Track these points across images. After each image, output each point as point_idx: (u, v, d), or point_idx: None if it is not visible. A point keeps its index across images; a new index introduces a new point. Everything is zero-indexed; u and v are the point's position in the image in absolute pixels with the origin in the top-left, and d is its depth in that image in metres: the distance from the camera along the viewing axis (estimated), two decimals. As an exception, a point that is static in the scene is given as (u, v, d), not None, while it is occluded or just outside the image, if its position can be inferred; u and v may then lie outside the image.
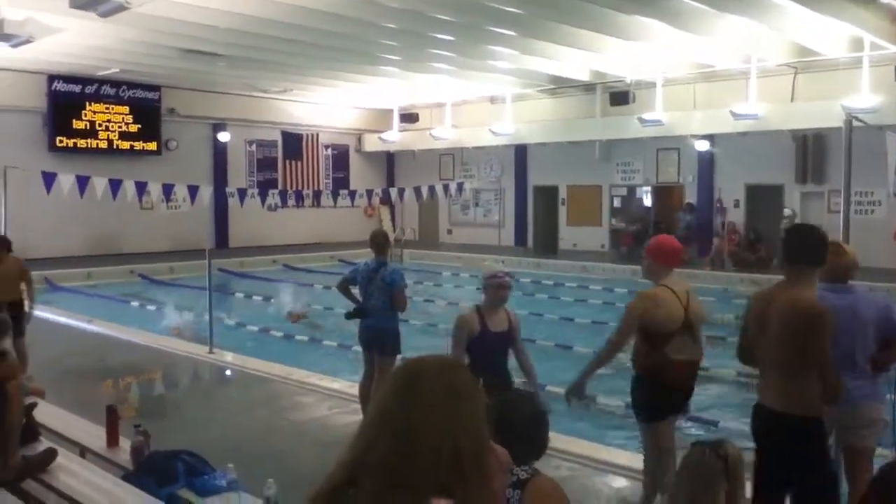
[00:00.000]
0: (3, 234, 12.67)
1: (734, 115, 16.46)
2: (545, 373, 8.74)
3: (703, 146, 19.12)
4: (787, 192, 18.63)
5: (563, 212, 22.84)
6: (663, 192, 21.21)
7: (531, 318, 12.98)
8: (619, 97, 19.08)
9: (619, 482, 5.40)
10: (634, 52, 15.71)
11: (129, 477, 4.34)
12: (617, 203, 21.99)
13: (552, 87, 19.98)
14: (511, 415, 2.65)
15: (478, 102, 22.63)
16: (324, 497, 1.46)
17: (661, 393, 4.32)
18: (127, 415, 6.07)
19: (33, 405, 4.78)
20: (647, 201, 21.59)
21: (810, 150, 17.96)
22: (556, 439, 4.68)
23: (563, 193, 22.77)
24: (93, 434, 5.45)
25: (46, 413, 5.37)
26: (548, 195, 22.98)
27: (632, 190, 21.74)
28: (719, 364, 9.74)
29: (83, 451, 5.15)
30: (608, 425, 7.47)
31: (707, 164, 19.74)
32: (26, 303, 8.22)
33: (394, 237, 9.25)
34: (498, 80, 19.24)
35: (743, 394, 8.47)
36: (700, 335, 4.44)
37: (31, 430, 4.58)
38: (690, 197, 20.20)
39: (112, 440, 5.05)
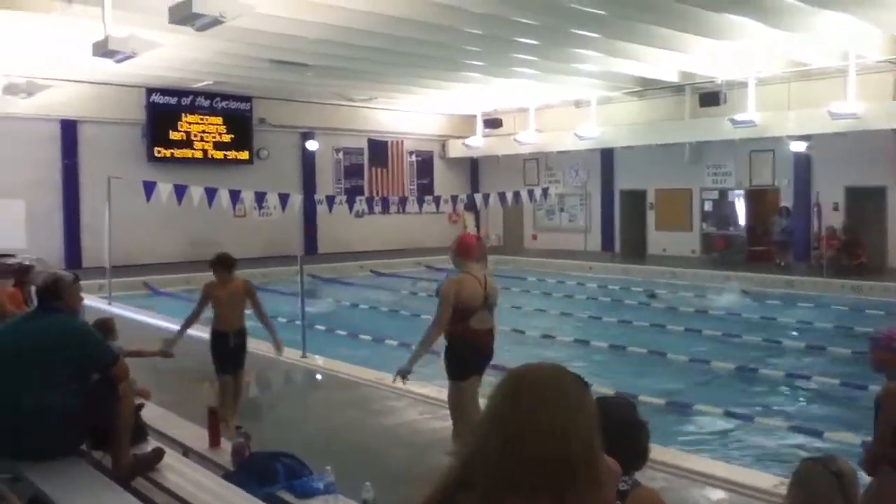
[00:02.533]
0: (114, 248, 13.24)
1: (832, 114, 15.77)
2: (639, 384, 8.62)
3: (798, 147, 18.40)
4: (891, 193, 17.76)
5: (651, 216, 22.38)
6: (757, 196, 20.52)
7: (621, 326, 12.79)
8: (710, 98, 18.56)
9: (717, 494, 5.22)
10: (725, 52, 15.27)
11: (230, 477, 4.45)
12: (708, 207, 21.39)
13: (639, 89, 19.63)
14: (606, 421, 2.60)
15: (562, 106, 22.44)
16: (435, 500, 1.47)
17: (465, 355, 5.36)
18: (223, 416, 6.23)
19: (141, 406, 4.96)
20: (740, 205, 20.92)
21: (915, 150, 17.09)
22: (653, 449, 4.58)
23: (651, 197, 22.31)
24: (195, 434, 5.62)
25: (151, 414, 5.56)
26: (635, 199, 22.56)
27: (723, 193, 21.11)
28: (820, 372, 9.37)
29: (186, 451, 5.31)
30: (703, 435, 7.24)
31: (803, 166, 19.01)
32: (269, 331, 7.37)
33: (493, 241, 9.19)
34: (583, 83, 19.03)
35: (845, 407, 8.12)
36: (494, 310, 5.57)
37: (140, 430, 4.76)
38: (786, 200, 19.48)
39: (214, 441, 5.20)
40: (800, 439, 7.02)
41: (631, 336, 11.66)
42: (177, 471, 4.35)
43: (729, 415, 7.47)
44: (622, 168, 22.83)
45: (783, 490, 4.67)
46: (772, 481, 5.15)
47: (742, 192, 20.66)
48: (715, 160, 20.69)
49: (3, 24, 12.16)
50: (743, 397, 8.58)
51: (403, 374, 5.56)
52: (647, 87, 19.41)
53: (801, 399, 8.76)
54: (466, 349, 5.34)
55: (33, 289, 8.65)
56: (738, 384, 9.23)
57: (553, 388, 1.49)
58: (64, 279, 4.39)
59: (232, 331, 6.93)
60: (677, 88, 19.36)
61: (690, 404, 7.78)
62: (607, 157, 22.90)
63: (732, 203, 21.09)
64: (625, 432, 2.61)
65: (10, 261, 8.83)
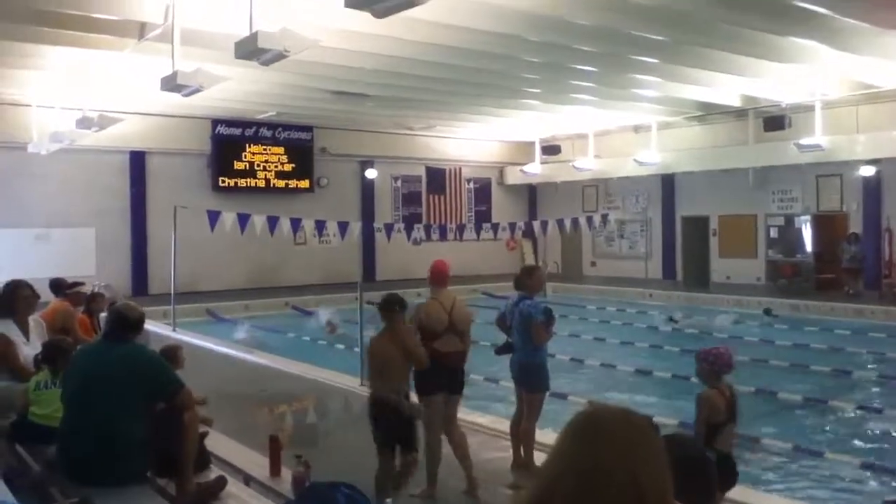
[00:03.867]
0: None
1: (903, 137, 15.30)
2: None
3: (868, 171, 17.89)
4: (968, 218, 17.10)
5: (714, 243, 21.94)
6: (825, 222, 19.94)
7: (683, 355, 12.50)
8: (774, 122, 18.19)
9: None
10: (789, 75, 14.96)
11: (291, 506, 4.47)
12: (773, 233, 20.87)
13: (700, 113, 19.37)
14: (674, 458, 2.54)
15: (621, 132, 22.27)
16: None
17: (431, 375, 5.64)
18: (285, 444, 6.27)
19: (205, 434, 5.02)
20: (807, 231, 20.35)
21: None
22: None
23: (714, 224, 21.90)
24: (256, 462, 5.68)
25: (213, 441, 5.63)
26: (698, 226, 22.16)
27: (790, 219, 20.58)
28: (893, 405, 9.00)
29: (247, 479, 5.36)
30: (771, 470, 7.00)
31: (873, 191, 18.44)
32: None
33: (546, 271, 9.09)
34: (642, 108, 18.88)
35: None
36: (466, 334, 5.92)
37: (204, 458, 4.82)
38: (855, 226, 18.89)
39: (274, 469, 5.24)
40: (872, 477, 6.73)
41: (694, 366, 11.36)
42: (239, 499, 4.39)
43: (798, 450, 7.21)
44: (683, 194, 22.49)
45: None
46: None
47: (809, 217, 20.12)
48: (780, 185, 20.23)
49: (78, 61, 12.68)
50: (812, 431, 8.30)
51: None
52: (708, 112, 19.14)
53: (873, 434, 8.40)
54: (432, 370, 5.64)
55: (102, 315, 8.97)
56: (807, 417, 8.93)
57: (627, 431, 1.51)
58: (126, 309, 4.50)
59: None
60: (740, 112, 19.04)
61: (758, 437, 7.54)
62: (668, 182, 22.59)
63: (799, 229, 20.55)
64: (693, 471, 2.55)
65: (81, 288, 9.08)
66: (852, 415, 8.99)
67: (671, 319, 16.10)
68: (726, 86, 16.19)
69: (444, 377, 5.77)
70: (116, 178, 19.65)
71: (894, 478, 6.53)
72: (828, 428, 8.47)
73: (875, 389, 10.15)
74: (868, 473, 6.82)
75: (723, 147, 20.01)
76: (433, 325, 5.79)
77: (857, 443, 8.04)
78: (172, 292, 15.27)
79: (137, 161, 19.91)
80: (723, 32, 11.85)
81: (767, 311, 16.65)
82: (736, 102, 17.77)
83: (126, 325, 4.37)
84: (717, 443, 4.43)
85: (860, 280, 18.31)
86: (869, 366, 11.48)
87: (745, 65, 13.97)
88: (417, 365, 5.54)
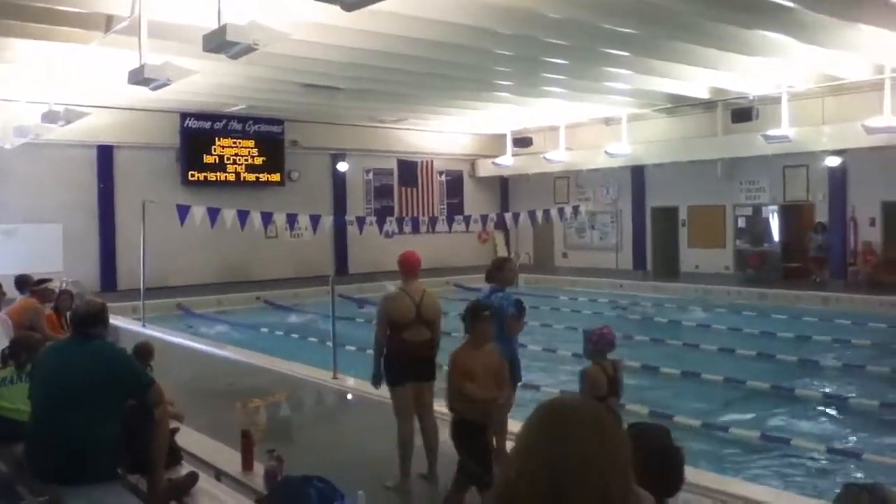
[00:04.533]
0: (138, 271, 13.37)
1: (867, 128, 15.53)
2: (673, 405, 8.52)
3: (833, 162, 18.19)
4: (930, 208, 17.45)
5: (683, 233, 22.18)
6: (792, 212, 20.27)
7: (652, 344, 12.67)
8: (742, 114, 18.41)
9: (756, 519, 5.12)
10: (757, 68, 15.13)
11: (262, 501, 4.47)
12: (742, 223, 21.15)
13: (670, 105, 19.53)
14: (642, 447, 2.57)
15: (592, 124, 22.39)
16: None
17: (398, 364, 5.78)
18: (257, 439, 6.27)
19: (176, 430, 5.00)
20: (774, 221, 20.65)
21: (954, 164, 16.77)
22: (688, 471, 4.52)
23: (683, 214, 22.13)
24: (227, 458, 5.66)
25: (184, 437, 5.60)
26: (667, 217, 22.38)
27: (757, 209, 20.87)
28: (858, 392, 9.20)
29: (218, 475, 5.35)
30: (740, 457, 7.12)
31: (839, 182, 18.74)
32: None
33: (518, 262, 9.11)
34: (613, 101, 18.99)
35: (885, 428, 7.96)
36: (434, 324, 5.92)
37: (175, 454, 4.80)
38: (821, 216, 19.21)
39: (246, 464, 5.23)
40: (838, 462, 6.88)
41: (664, 356, 11.53)
42: (210, 495, 4.39)
43: (766, 437, 7.34)
44: (653, 185, 22.70)
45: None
46: (809, 504, 5.06)
47: (776, 207, 20.42)
48: (748, 176, 20.49)
49: (43, 55, 12.46)
50: (779, 418, 8.45)
51: (376, 381, 6.11)
52: (678, 104, 19.31)
53: (839, 420, 8.58)
54: (399, 359, 5.79)
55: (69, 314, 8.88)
56: (775, 405, 9.08)
57: (589, 421, 1.50)
58: (102, 305, 4.47)
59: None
60: (709, 105, 19.24)
61: (726, 426, 7.67)
62: (638, 174, 22.78)
63: (766, 219, 20.85)
64: (660, 459, 2.59)
65: (49, 284, 8.98)
66: (818, 402, 9.17)
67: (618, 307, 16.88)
68: (695, 78, 16.34)
69: (413, 367, 5.82)
70: (84, 173, 19.37)
71: (858, 462, 6.67)
72: (794, 415, 8.62)
73: (840, 376, 10.35)
74: (834, 458, 6.97)
75: (692, 138, 20.21)
76: (401, 315, 5.84)
77: (822, 429, 8.20)
78: (142, 287, 15.13)
79: (105, 155, 19.64)
80: (692, 26, 11.97)
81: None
82: (705, 94, 17.96)
83: (93, 320, 4.33)
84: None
85: (826, 269, 18.64)
86: (834, 353, 11.69)
87: (713, 58, 14.12)
88: (499, 385, 5.00)
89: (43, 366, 4.39)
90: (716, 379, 9.98)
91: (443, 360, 5.98)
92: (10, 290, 9.00)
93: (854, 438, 7.78)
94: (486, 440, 4.87)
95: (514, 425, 6.54)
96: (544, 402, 1.59)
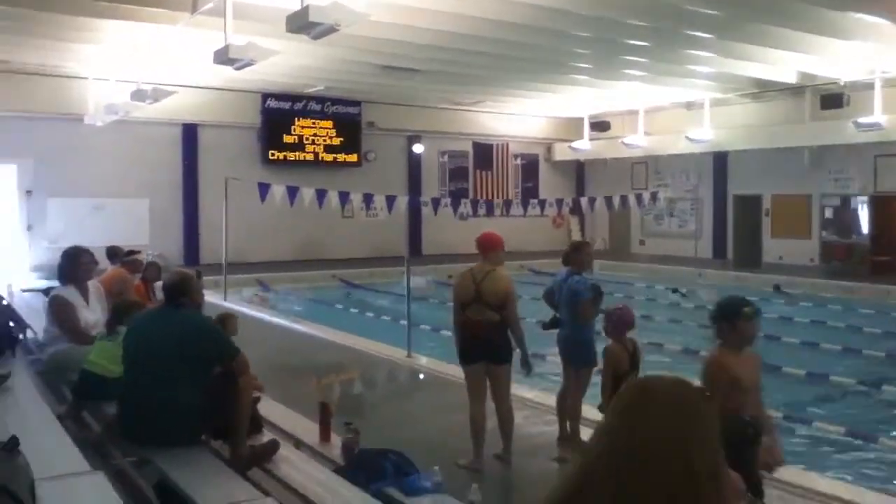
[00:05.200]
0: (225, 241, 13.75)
1: (968, 116, 14.76)
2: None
3: (929, 151, 17.33)
4: None
5: (766, 223, 21.50)
6: (883, 203, 19.37)
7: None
8: (832, 100, 17.68)
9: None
10: (849, 52, 14.52)
11: (339, 471, 4.57)
12: (829, 214, 20.37)
13: (755, 90, 18.92)
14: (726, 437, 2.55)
15: (673, 109, 21.88)
16: None
17: (465, 342, 5.86)
18: (335, 411, 6.39)
19: (258, 399, 5.14)
20: (864, 212, 19.81)
21: None
22: (770, 465, 4.40)
23: (766, 203, 21.44)
24: (306, 428, 5.80)
25: (264, 407, 5.76)
26: (750, 205, 21.71)
27: (846, 200, 20.06)
28: None
29: (297, 444, 5.48)
30: (823, 453, 6.90)
31: (935, 171, 17.86)
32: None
33: (594, 248, 9.00)
34: (695, 84, 18.51)
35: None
36: (500, 306, 5.76)
37: (256, 423, 4.94)
38: (915, 207, 18.34)
39: (324, 435, 5.35)
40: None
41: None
42: (291, 463, 4.50)
43: (851, 434, 7.10)
44: (736, 172, 22.05)
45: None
46: (897, 505, 4.88)
47: (866, 198, 19.57)
48: (837, 165, 19.70)
49: (132, 35, 12.89)
50: (865, 414, 8.15)
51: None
52: (764, 89, 18.69)
53: None
54: (465, 337, 5.86)
55: (156, 284, 9.21)
56: (860, 401, 8.76)
57: (677, 399, 1.47)
58: (190, 277, 4.62)
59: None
60: (797, 90, 18.54)
61: (809, 420, 7.44)
62: (720, 160, 22.16)
63: (855, 210, 20.02)
64: (734, 450, 2.55)
65: (137, 256, 9.32)
66: (907, 399, 8.81)
67: (677, 292, 16.46)
68: (783, 62, 15.78)
69: (479, 346, 5.82)
70: (169, 151, 20.01)
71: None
72: (881, 412, 8.30)
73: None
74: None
75: (778, 125, 19.53)
76: (461, 294, 5.93)
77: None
78: (224, 262, 15.56)
79: (190, 134, 20.23)
80: (781, 7, 11.55)
81: (777, 288, 16.46)
82: (792, 79, 17.31)
83: (181, 291, 4.48)
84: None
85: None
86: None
87: (803, 41, 13.60)
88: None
89: (135, 332, 4.58)
90: (798, 373, 9.67)
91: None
92: (102, 261, 9.39)
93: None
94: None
95: (587, 409, 6.52)
96: (630, 383, 1.57)
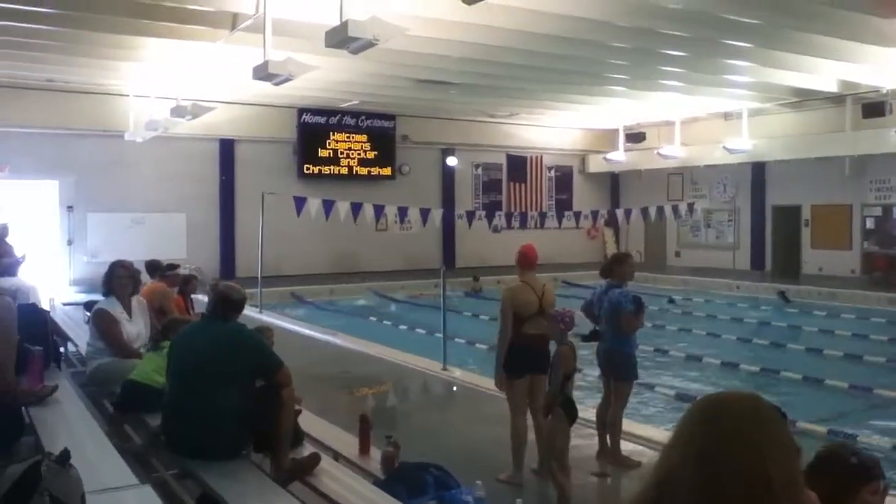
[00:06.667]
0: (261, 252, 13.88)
1: None
2: (796, 410, 8.14)
3: (976, 160, 16.93)
4: None
5: (806, 233, 21.16)
6: (926, 213, 18.98)
7: (773, 348, 12.17)
8: (874, 108, 17.37)
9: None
10: (891, 59, 14.24)
11: (380, 484, 4.55)
12: (870, 224, 19.98)
13: (795, 99, 18.64)
14: (829, 464, 2.61)
15: (709, 119, 21.67)
16: None
17: (520, 356, 5.77)
18: (372, 424, 6.39)
19: (299, 411, 5.16)
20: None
21: None
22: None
23: (806, 214, 21.11)
24: (345, 441, 5.79)
25: (303, 420, 5.77)
26: (789, 215, 21.40)
27: (888, 210, 19.66)
28: None
29: (336, 457, 5.48)
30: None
31: (981, 181, 17.44)
32: None
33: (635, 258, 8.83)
34: (733, 94, 18.28)
35: None
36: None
37: (298, 435, 4.96)
38: (960, 217, 17.93)
39: (364, 448, 5.34)
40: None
41: (784, 360, 11.05)
42: (332, 476, 4.49)
43: (897, 448, 6.93)
44: (774, 182, 21.75)
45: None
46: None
47: (909, 208, 19.17)
48: (878, 174, 19.34)
49: (173, 53, 13.12)
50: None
51: (499, 382, 6.03)
52: (803, 98, 18.40)
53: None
54: (521, 351, 5.78)
55: (193, 297, 9.32)
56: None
57: (752, 415, 1.47)
58: (229, 289, 4.67)
59: None
60: (837, 99, 18.24)
61: (854, 434, 7.27)
62: (758, 171, 21.88)
63: (898, 220, 19.62)
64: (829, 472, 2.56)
65: (177, 270, 9.44)
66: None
67: (782, 295, 16.27)
68: (823, 71, 15.52)
69: (532, 359, 5.79)
70: (206, 165, 20.29)
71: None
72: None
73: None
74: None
75: (818, 134, 19.23)
76: (523, 308, 5.82)
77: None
78: (259, 275, 15.71)
79: (227, 148, 20.50)
80: (821, 15, 11.37)
81: (782, 295, 16.20)
82: (833, 88, 17.03)
83: (230, 305, 4.53)
84: (567, 388, 5.36)
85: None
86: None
87: (843, 49, 13.36)
88: None
89: (180, 344, 4.63)
90: (840, 385, 9.49)
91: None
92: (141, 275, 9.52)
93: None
94: None
95: (628, 423, 6.44)
96: (703, 397, 1.57)
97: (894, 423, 8.13)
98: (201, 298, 10.23)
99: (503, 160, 24.83)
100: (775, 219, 21.86)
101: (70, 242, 18.68)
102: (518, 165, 25.01)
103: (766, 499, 1.38)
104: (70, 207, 18.68)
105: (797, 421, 7.23)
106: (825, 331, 13.67)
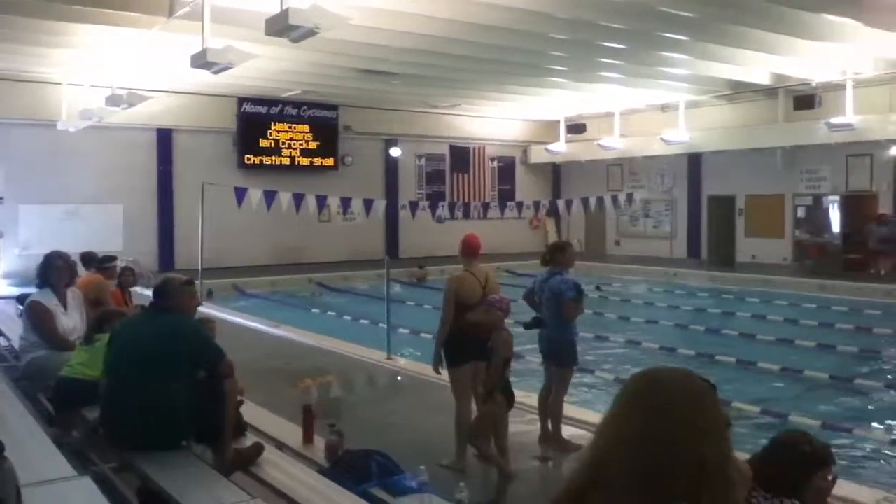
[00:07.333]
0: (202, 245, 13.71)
1: (937, 116, 15.05)
2: (730, 392, 8.42)
3: (899, 151, 17.65)
4: None
5: (740, 223, 21.78)
6: (854, 202, 19.69)
7: (708, 334, 12.51)
8: (804, 101, 17.97)
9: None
10: (821, 53, 14.75)
11: (325, 472, 4.57)
12: (801, 213, 20.67)
13: (730, 92, 19.15)
14: (784, 450, 2.80)
15: (648, 111, 22.10)
16: (567, 499, 1.47)
17: (462, 344, 5.82)
18: (317, 414, 6.37)
19: (242, 401, 5.13)
20: (835, 211, 20.12)
21: None
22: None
23: (740, 203, 21.72)
24: (288, 431, 5.79)
25: (246, 411, 5.74)
26: (724, 205, 21.99)
27: (818, 199, 20.36)
28: None
29: (279, 447, 5.47)
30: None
31: (905, 171, 18.19)
32: None
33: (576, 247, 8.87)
34: (670, 87, 18.70)
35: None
36: None
37: (240, 425, 4.93)
38: (885, 207, 18.66)
39: (307, 438, 5.35)
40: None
41: (719, 345, 11.38)
42: (275, 465, 4.49)
43: (827, 426, 7.21)
44: (710, 173, 22.31)
45: (889, 505, 4.51)
46: (872, 496, 4.98)
47: (837, 197, 19.88)
48: (809, 165, 20.00)
49: (108, 40, 12.79)
50: (839, 408, 8.30)
51: (436, 366, 6.06)
52: (738, 91, 18.92)
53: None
54: (464, 339, 5.79)
55: (131, 290, 9.14)
56: (834, 395, 8.91)
57: (684, 390, 1.49)
58: (173, 281, 4.61)
59: None
60: (770, 91, 18.80)
61: (785, 414, 7.55)
62: (695, 161, 22.41)
63: (827, 209, 20.33)
64: (794, 466, 2.70)
65: (112, 263, 9.23)
66: (880, 393, 8.97)
67: (598, 288, 17.14)
68: (757, 64, 15.99)
69: (473, 347, 5.81)
70: (144, 156, 19.85)
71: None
72: (855, 405, 8.46)
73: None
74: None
75: (752, 126, 19.78)
76: (467, 296, 5.86)
77: (885, 419, 8.02)
78: (200, 267, 15.45)
79: (165, 138, 20.08)
80: (754, 9, 11.71)
81: (598, 288, 17.36)
82: (766, 81, 17.55)
83: (165, 295, 4.47)
84: (506, 374, 5.50)
85: (889, 261, 18.12)
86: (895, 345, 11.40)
87: (776, 42, 13.79)
88: None
89: (119, 337, 4.56)
90: (773, 368, 9.82)
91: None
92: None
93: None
94: None
95: (570, 409, 6.58)
96: (638, 373, 1.56)
97: (823, 405, 8.47)
98: (139, 291, 10.07)
99: (446, 151, 24.90)
100: (711, 208, 22.44)
101: (0, 235, 18.09)
102: (461, 156, 25.11)
103: (699, 473, 1.40)
104: (0, 199, 18.08)
105: (731, 401, 7.48)
106: (758, 316, 14.10)
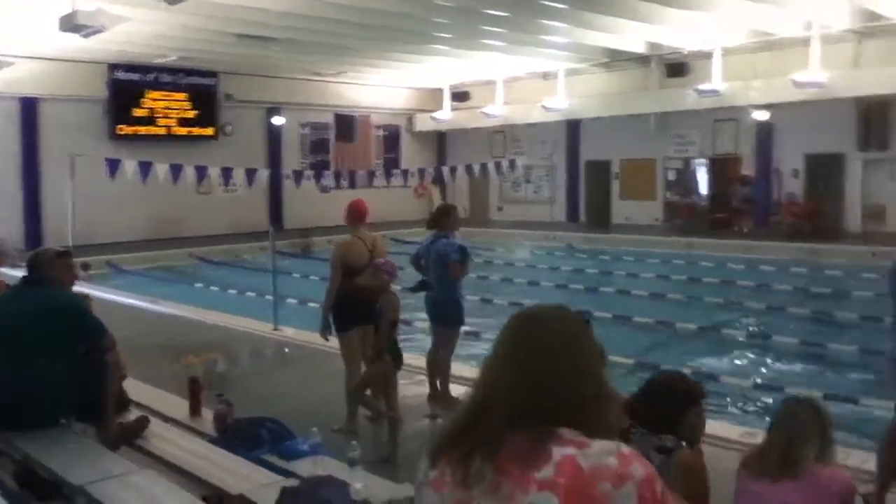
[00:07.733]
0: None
1: (795, 83, 16.06)
2: (607, 346, 8.83)
3: (761, 116, 18.76)
4: (849, 160, 18.22)
5: (615, 186, 22.67)
6: (720, 164, 20.87)
7: (587, 293, 13.04)
8: (676, 69, 18.84)
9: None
10: (691, 22, 15.45)
11: (215, 441, 4.54)
12: (672, 176, 21.72)
13: (606, 60, 19.76)
14: (661, 389, 2.98)
15: (529, 79, 22.52)
16: (449, 438, 1.53)
17: (349, 309, 5.87)
18: (204, 387, 6.28)
19: (124, 376, 5.00)
20: (703, 174, 21.26)
21: (873, 117, 17.52)
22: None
23: (615, 167, 22.59)
24: (175, 404, 5.70)
25: (130, 387, 5.59)
26: (600, 170, 22.82)
27: (687, 163, 21.43)
28: (779, 331, 9.71)
29: (166, 421, 5.38)
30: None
31: (765, 135, 19.37)
32: None
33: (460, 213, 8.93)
34: (551, 55, 19.12)
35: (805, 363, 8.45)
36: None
37: (123, 400, 4.82)
38: (748, 168, 19.86)
39: (194, 410, 5.28)
40: (763, 395, 7.31)
41: (597, 302, 11.88)
42: (162, 438, 4.43)
43: (695, 373, 7.70)
44: (588, 139, 23.04)
45: (749, 439, 4.91)
46: (738, 431, 5.39)
47: (705, 160, 20.99)
48: (679, 130, 20.98)
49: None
50: (708, 356, 8.89)
51: (324, 332, 6.11)
52: (614, 59, 19.55)
53: (763, 357, 9.08)
54: (351, 304, 5.83)
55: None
56: (702, 344, 9.54)
57: (561, 325, 1.56)
58: (44, 253, 4.42)
59: None
60: (644, 60, 19.55)
61: (657, 364, 8.00)
62: (573, 128, 23.07)
63: (695, 172, 21.44)
64: (676, 406, 2.88)
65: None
66: (744, 341, 9.68)
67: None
68: (632, 33, 16.58)
69: (361, 311, 5.80)
70: (6, 126, 18.59)
71: (780, 395, 7.07)
72: (722, 353, 9.07)
73: (763, 318, 10.89)
74: (758, 391, 7.42)
75: (627, 93, 20.53)
76: (355, 261, 5.91)
77: (748, 365, 8.68)
78: (70, 244, 14.74)
79: (29, 108, 18.85)
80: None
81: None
82: (640, 49, 18.23)
83: (40, 267, 4.28)
84: (393, 335, 5.51)
85: (750, 220, 19.36)
86: (758, 297, 12.25)
87: (650, 12, 14.33)
88: None
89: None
90: (647, 322, 10.38)
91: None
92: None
93: (776, 373, 8.26)
94: None
95: (458, 368, 6.76)
96: (515, 314, 1.62)
97: (693, 354, 9.04)
98: (6, 272, 9.55)
99: (331, 120, 24.60)
100: (588, 173, 23.24)
101: None
102: (346, 125, 24.87)
103: (576, 405, 1.48)
104: None
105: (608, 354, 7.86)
106: (632, 274, 14.80)
